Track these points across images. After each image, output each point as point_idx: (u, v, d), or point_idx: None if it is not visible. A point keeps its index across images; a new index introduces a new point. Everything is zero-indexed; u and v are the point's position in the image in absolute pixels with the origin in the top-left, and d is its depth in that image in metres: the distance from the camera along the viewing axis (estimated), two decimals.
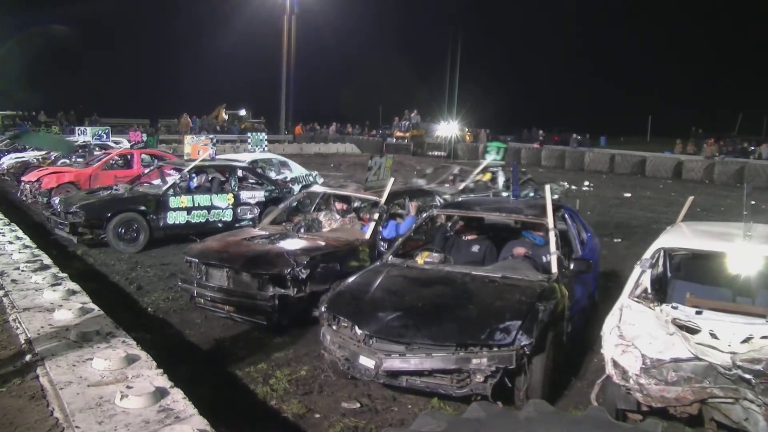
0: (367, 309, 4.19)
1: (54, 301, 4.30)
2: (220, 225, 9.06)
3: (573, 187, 18.50)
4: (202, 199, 9.21)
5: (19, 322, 3.88)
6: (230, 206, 9.38)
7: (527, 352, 3.73)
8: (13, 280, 4.84)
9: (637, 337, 3.60)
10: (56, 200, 9.12)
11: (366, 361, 3.88)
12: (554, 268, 4.61)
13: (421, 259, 5.01)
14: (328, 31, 43.24)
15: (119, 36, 51.51)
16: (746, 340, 3.43)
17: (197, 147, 10.81)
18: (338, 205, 7.21)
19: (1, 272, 5.05)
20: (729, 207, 14.36)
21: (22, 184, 12.25)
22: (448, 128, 30.82)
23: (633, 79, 52.77)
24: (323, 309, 4.42)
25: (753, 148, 25.75)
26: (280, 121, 37.48)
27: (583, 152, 26.67)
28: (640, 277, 4.27)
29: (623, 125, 35.53)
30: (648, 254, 4.46)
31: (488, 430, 1.88)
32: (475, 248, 5.41)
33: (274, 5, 35.79)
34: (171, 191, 8.95)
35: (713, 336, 3.53)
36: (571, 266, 4.70)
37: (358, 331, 4.04)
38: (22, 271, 5.12)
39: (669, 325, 3.66)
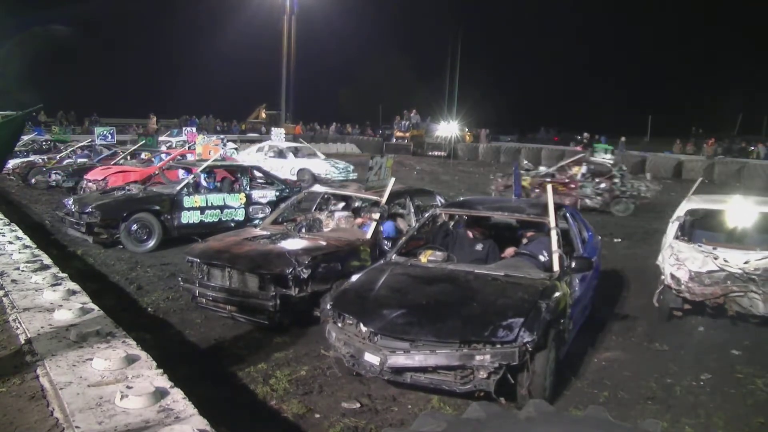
0: (371, 307, 4.22)
1: (54, 301, 4.28)
2: (232, 224, 9.10)
3: None
4: (216, 199, 9.29)
5: (19, 322, 3.87)
6: (242, 206, 9.47)
7: (530, 349, 3.76)
8: (13, 280, 4.82)
9: (686, 259, 5.75)
10: (70, 201, 9.16)
11: (371, 358, 3.91)
12: (556, 267, 4.64)
13: (425, 257, 5.03)
14: (328, 31, 43.20)
15: (119, 36, 51.52)
16: (746, 262, 5.61)
17: (208, 147, 10.93)
18: (339, 205, 7.22)
19: (1, 272, 5.04)
20: None
21: (85, 182, 12.31)
22: (448, 128, 30.79)
23: (633, 78, 52.78)
24: (329, 306, 4.46)
25: (753, 148, 25.76)
26: (280, 121, 37.45)
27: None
28: (678, 227, 6.44)
29: (623, 125, 35.50)
30: (681, 213, 6.61)
31: (488, 430, 1.87)
32: (478, 247, 5.44)
33: (273, 6, 35.76)
34: (185, 191, 9.01)
35: (726, 261, 5.66)
36: (573, 264, 4.73)
37: (363, 329, 4.08)
38: (22, 271, 5.10)
39: (702, 253, 5.81)
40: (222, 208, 9.30)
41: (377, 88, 46.93)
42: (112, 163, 13.99)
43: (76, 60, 44.30)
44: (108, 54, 48.78)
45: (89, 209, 8.39)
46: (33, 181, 15.09)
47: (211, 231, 8.44)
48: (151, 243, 8.57)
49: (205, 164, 9.60)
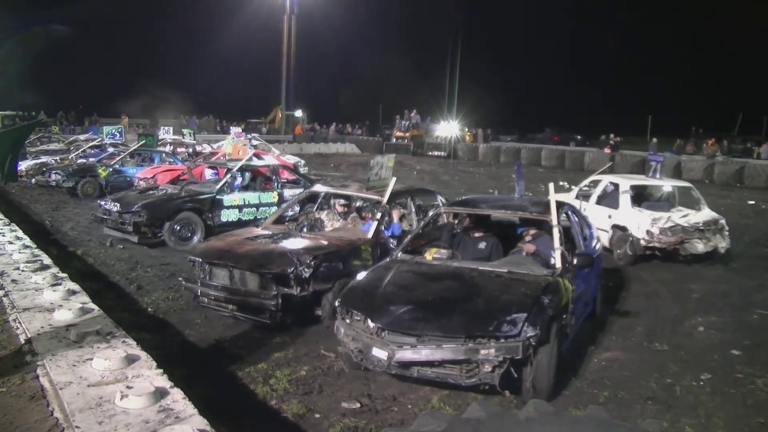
0: (379, 303, 4.31)
1: (54, 301, 4.28)
2: None
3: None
4: (252, 197, 9.44)
5: (19, 322, 3.87)
6: (275, 204, 9.56)
7: (533, 343, 3.85)
8: (13, 280, 4.82)
9: (657, 219, 8.12)
10: (107, 201, 9.20)
11: (379, 353, 4.00)
12: (558, 263, 4.71)
13: (430, 255, 5.11)
14: (329, 31, 43.19)
15: (119, 36, 51.51)
16: (681, 218, 8.27)
17: (238, 147, 11.08)
18: (340, 206, 7.21)
19: (1, 272, 5.04)
20: (728, 207, 14.27)
21: (137, 181, 12.48)
22: (448, 128, 30.76)
23: (633, 78, 52.78)
24: (337, 303, 4.55)
25: (754, 147, 25.72)
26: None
27: (583, 152, 26.66)
28: (630, 198, 8.68)
29: (623, 125, 35.50)
30: (627, 188, 8.84)
31: (488, 430, 1.87)
32: (482, 245, 5.51)
33: (273, 6, 35.76)
34: (225, 190, 9.11)
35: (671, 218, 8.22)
36: (575, 261, 4.78)
37: (371, 324, 4.15)
38: (22, 271, 5.10)
39: (665, 215, 8.28)
40: (258, 206, 9.45)
41: (377, 88, 46.93)
42: (113, 162, 13.99)
43: (76, 60, 44.30)
44: (108, 54, 48.76)
45: (135, 209, 8.44)
46: (33, 181, 15.07)
47: None
48: (194, 241, 8.59)
49: (240, 164, 9.67)
